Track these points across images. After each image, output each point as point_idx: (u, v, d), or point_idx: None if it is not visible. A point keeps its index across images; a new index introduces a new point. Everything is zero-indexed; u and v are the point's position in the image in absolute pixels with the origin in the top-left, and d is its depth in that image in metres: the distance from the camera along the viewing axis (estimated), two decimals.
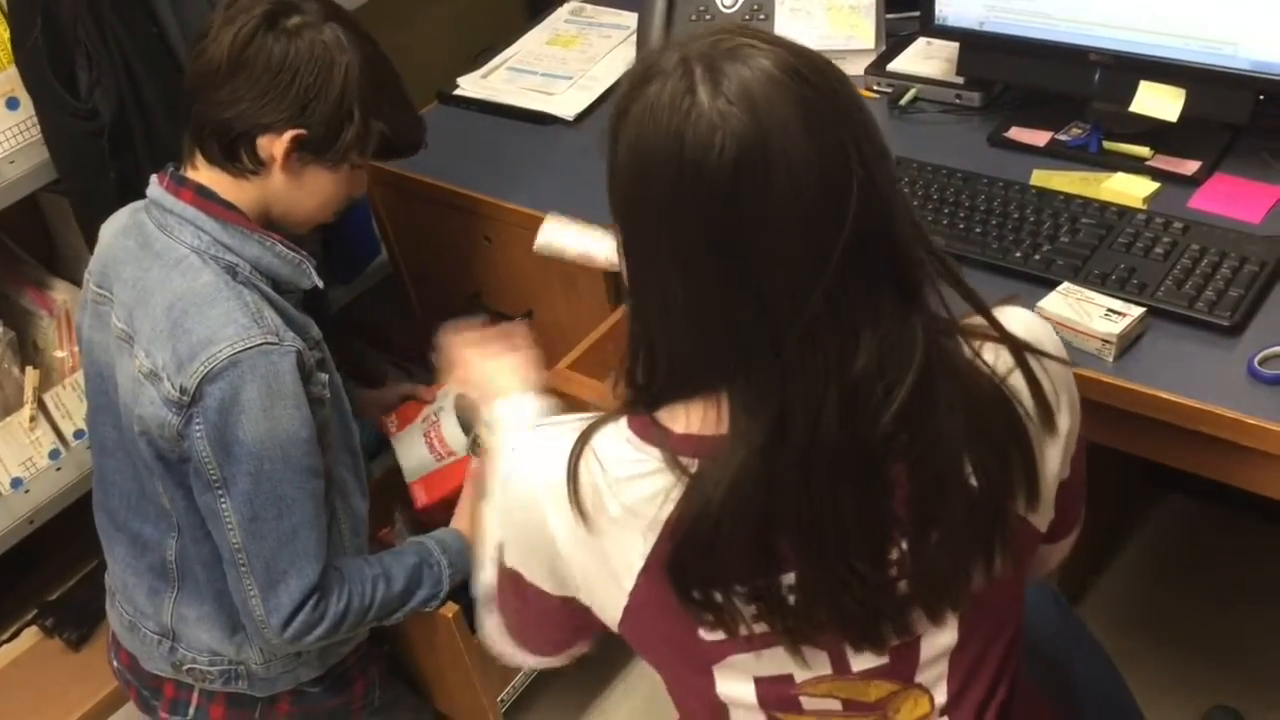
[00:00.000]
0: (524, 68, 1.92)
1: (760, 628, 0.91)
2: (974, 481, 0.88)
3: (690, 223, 0.81)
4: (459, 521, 1.55)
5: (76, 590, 1.92)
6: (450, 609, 1.54)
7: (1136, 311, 1.26)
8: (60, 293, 1.77)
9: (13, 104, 1.63)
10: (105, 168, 1.32)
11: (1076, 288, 1.30)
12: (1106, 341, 1.25)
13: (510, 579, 1.00)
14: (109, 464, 1.43)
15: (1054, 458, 0.94)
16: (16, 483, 1.76)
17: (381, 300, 2.14)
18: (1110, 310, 1.27)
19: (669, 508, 0.87)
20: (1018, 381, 0.90)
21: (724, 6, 1.84)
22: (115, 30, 1.49)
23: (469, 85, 1.91)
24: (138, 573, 1.43)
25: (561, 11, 2.06)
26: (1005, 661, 1.02)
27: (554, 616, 1.01)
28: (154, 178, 1.35)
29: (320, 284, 1.38)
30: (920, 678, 0.97)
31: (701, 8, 1.84)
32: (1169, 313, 1.28)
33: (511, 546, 0.99)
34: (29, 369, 1.75)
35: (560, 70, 1.89)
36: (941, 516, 0.87)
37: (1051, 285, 1.31)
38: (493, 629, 1.09)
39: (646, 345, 0.89)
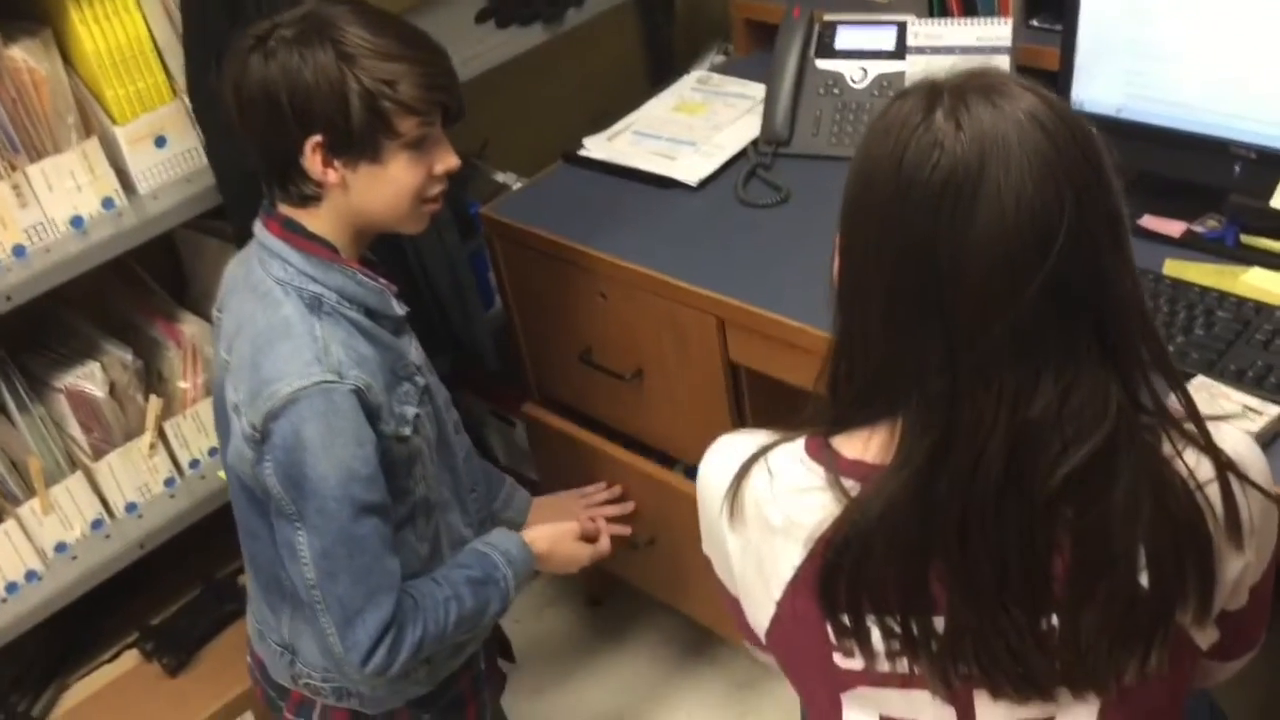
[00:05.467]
0: (649, 132, 1.95)
1: (899, 665, 0.91)
2: (1144, 578, 0.86)
3: (899, 231, 0.85)
4: (534, 534, 1.56)
5: (178, 617, 1.95)
6: None
7: (1275, 410, 1.23)
8: (189, 325, 1.82)
9: (160, 142, 1.70)
10: None
11: (1211, 382, 1.27)
12: None
13: (709, 564, 1.07)
14: (230, 482, 1.46)
15: (1229, 582, 0.91)
16: (131, 507, 1.81)
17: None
18: (1247, 408, 1.23)
19: (827, 524, 0.90)
20: (1213, 494, 0.88)
21: (852, 81, 1.85)
22: None
23: (594, 146, 1.94)
24: (259, 587, 1.46)
25: (689, 79, 2.08)
26: None
27: (735, 611, 1.06)
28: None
29: (401, 311, 1.38)
30: None
31: (830, 82, 1.86)
32: None
33: (704, 536, 1.06)
34: (153, 398, 1.80)
35: (685, 136, 1.91)
36: (1099, 599, 0.86)
37: (1185, 379, 1.28)
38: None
39: (847, 354, 0.92)
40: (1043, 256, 0.82)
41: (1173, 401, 0.91)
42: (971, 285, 0.83)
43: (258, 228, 1.36)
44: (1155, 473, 0.86)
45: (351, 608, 1.30)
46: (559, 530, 1.61)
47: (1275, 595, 1.02)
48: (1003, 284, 0.82)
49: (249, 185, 1.46)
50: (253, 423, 1.28)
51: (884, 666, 0.93)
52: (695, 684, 2.12)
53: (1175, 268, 1.46)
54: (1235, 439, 0.93)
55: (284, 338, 1.28)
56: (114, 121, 1.66)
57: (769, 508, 0.94)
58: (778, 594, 0.95)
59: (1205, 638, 0.93)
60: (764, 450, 0.97)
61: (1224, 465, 0.89)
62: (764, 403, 1.74)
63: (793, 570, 0.93)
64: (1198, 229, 1.51)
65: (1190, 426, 0.89)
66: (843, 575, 0.89)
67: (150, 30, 1.64)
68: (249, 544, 1.45)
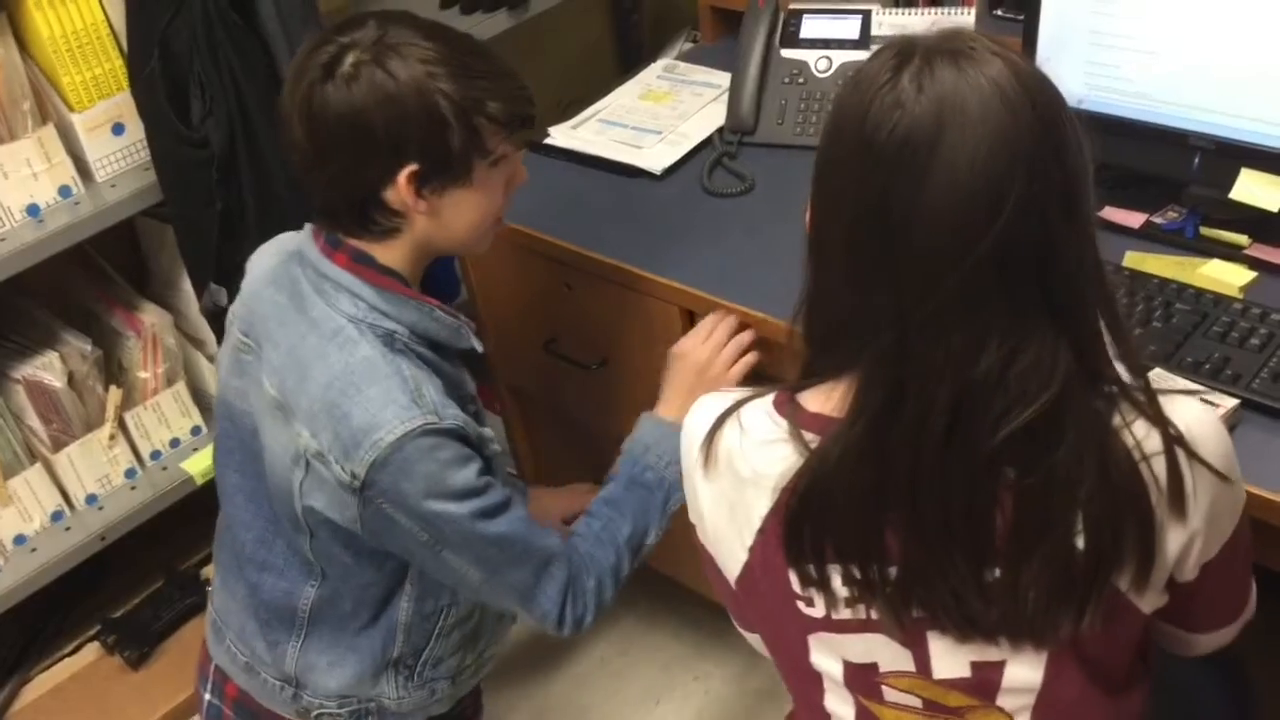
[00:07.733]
0: (615, 120, 1.94)
1: (857, 611, 0.95)
2: (1079, 541, 0.88)
3: (859, 185, 0.87)
4: (660, 408, 1.51)
5: (139, 610, 1.94)
6: None
7: (1230, 403, 1.24)
8: (149, 315, 1.81)
9: (118, 129, 1.68)
10: (212, 197, 1.33)
11: (1168, 375, 1.28)
12: None
13: (694, 530, 1.09)
14: (233, 508, 1.40)
15: (1172, 554, 0.92)
16: (91, 499, 1.79)
17: None
18: (1204, 400, 1.24)
19: (790, 475, 0.93)
20: (1159, 466, 0.89)
21: (817, 71, 1.85)
22: (229, 62, 1.52)
23: (559, 135, 1.93)
24: (258, 619, 1.40)
25: (655, 67, 2.08)
26: None
27: (713, 570, 1.08)
28: (308, 233, 1.29)
29: (480, 348, 1.34)
30: (1003, 702, 0.98)
31: (795, 71, 1.85)
32: (1263, 406, 1.25)
33: (686, 495, 1.09)
34: (112, 388, 1.79)
35: (651, 125, 1.91)
36: (1036, 557, 0.88)
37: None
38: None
39: (813, 302, 0.95)
40: (990, 224, 0.83)
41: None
42: (920, 245, 0.84)
43: (313, 254, 1.27)
44: (1102, 442, 0.88)
45: (526, 587, 1.31)
46: (682, 382, 1.51)
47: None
48: (950, 247, 0.84)
49: (186, 174, 1.43)
50: (353, 472, 1.21)
51: (844, 613, 0.96)
52: (650, 671, 2.13)
53: (1135, 259, 1.47)
54: (1192, 413, 0.93)
55: (370, 381, 1.21)
56: (71, 108, 1.64)
57: (738, 460, 0.98)
58: (749, 541, 0.99)
59: (1149, 602, 0.94)
60: (738, 405, 1.00)
61: (1171, 439, 0.89)
62: None
63: (760, 519, 0.97)
64: (1158, 220, 1.52)
65: (1142, 398, 0.90)
66: (806, 524, 0.93)
67: (107, 15, 1.62)
68: (257, 577, 1.38)
